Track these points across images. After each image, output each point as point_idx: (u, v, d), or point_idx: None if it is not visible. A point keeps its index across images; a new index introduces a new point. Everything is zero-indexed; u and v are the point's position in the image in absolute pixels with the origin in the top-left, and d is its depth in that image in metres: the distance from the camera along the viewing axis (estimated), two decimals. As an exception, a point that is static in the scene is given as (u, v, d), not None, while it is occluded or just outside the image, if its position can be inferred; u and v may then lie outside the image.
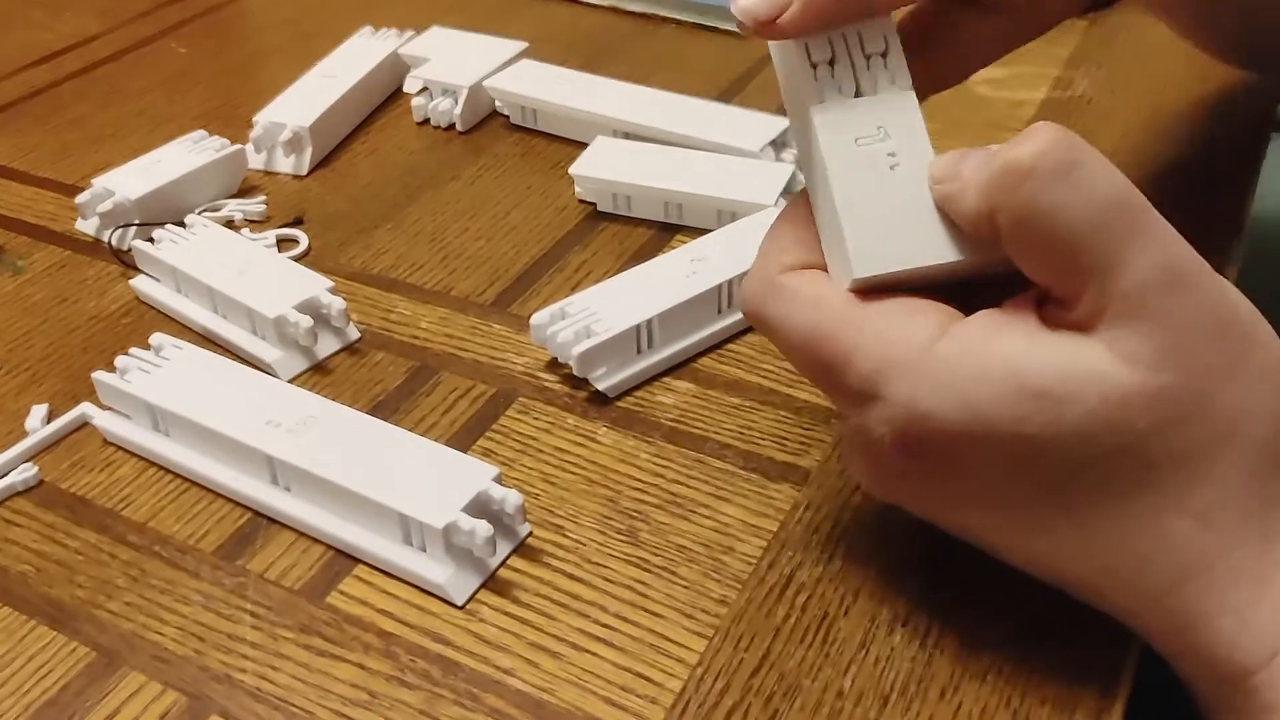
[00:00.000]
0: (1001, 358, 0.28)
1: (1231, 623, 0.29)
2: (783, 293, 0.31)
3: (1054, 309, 0.28)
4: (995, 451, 0.28)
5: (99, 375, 0.41)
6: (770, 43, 0.32)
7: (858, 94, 0.31)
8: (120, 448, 0.41)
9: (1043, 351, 0.28)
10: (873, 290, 0.30)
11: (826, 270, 0.31)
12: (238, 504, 0.39)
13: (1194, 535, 0.29)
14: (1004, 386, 0.28)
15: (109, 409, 0.42)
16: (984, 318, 0.29)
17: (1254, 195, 0.53)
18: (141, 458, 0.41)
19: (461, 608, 0.35)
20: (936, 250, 0.30)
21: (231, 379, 0.41)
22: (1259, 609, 0.29)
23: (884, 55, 0.31)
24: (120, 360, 0.42)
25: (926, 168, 0.30)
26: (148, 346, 0.43)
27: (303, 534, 0.38)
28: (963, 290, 0.31)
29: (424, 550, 0.36)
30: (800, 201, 0.32)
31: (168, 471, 0.40)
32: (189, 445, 0.40)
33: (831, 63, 0.31)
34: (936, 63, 0.35)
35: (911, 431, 0.29)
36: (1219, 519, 0.28)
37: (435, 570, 0.35)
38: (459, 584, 0.35)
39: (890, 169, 0.30)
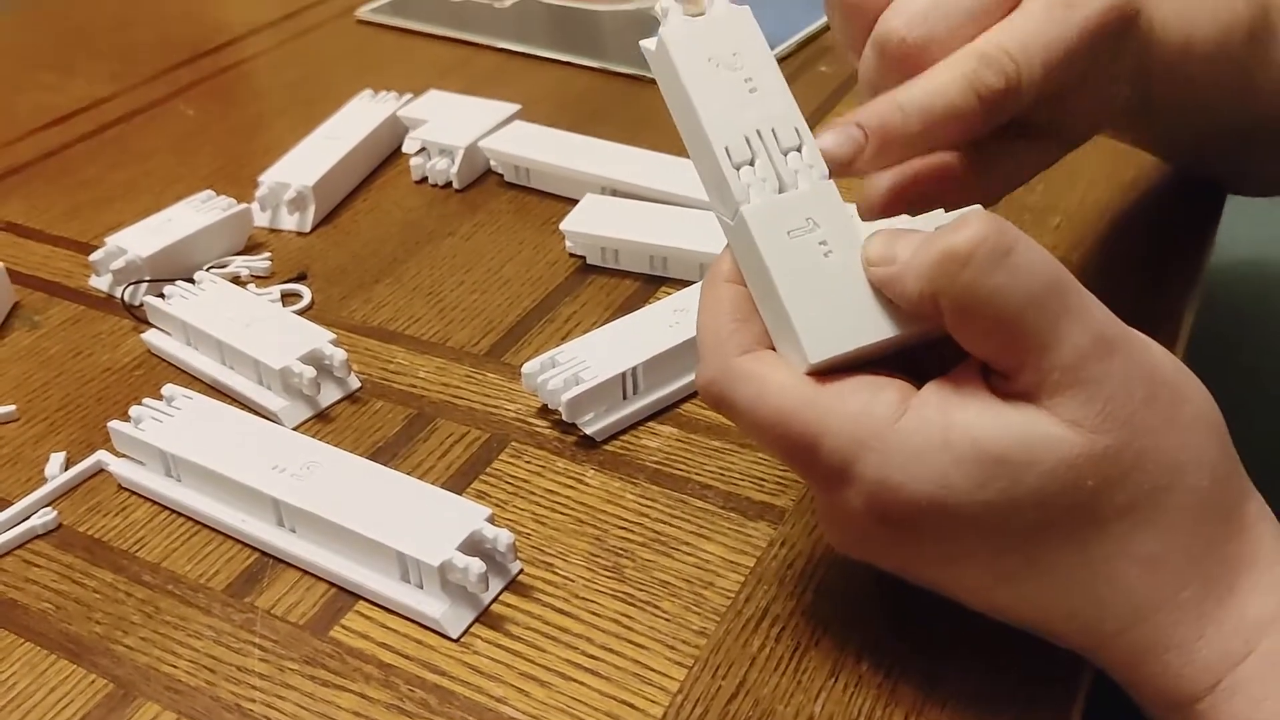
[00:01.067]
0: (961, 428, 0.30)
1: (1177, 657, 0.31)
2: (744, 379, 0.32)
3: (998, 379, 0.31)
4: (961, 515, 0.30)
5: (114, 424, 0.44)
6: (689, 146, 0.34)
7: (781, 189, 0.33)
8: (134, 493, 0.43)
9: (997, 421, 0.30)
10: (827, 370, 0.32)
11: (774, 349, 0.33)
12: (246, 544, 0.41)
13: (1143, 579, 0.31)
14: (967, 456, 0.30)
15: (124, 456, 0.44)
16: (937, 391, 0.31)
17: (1213, 245, 0.56)
18: (155, 502, 0.43)
19: (456, 640, 0.37)
20: (880, 328, 0.32)
21: (239, 427, 0.44)
22: (1202, 643, 0.31)
23: (799, 149, 0.33)
24: (134, 410, 0.44)
25: (858, 251, 0.32)
26: (160, 397, 0.45)
27: (307, 572, 0.40)
28: (905, 356, 0.33)
29: (421, 587, 0.38)
30: (728, 281, 0.34)
31: (179, 514, 0.42)
32: (200, 490, 0.42)
33: (751, 162, 0.33)
34: (986, 187, 0.38)
35: (882, 502, 0.31)
36: (1165, 563, 0.31)
37: (431, 605, 0.37)
38: (454, 618, 0.37)
39: (824, 256, 0.32)
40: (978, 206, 0.31)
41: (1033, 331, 0.29)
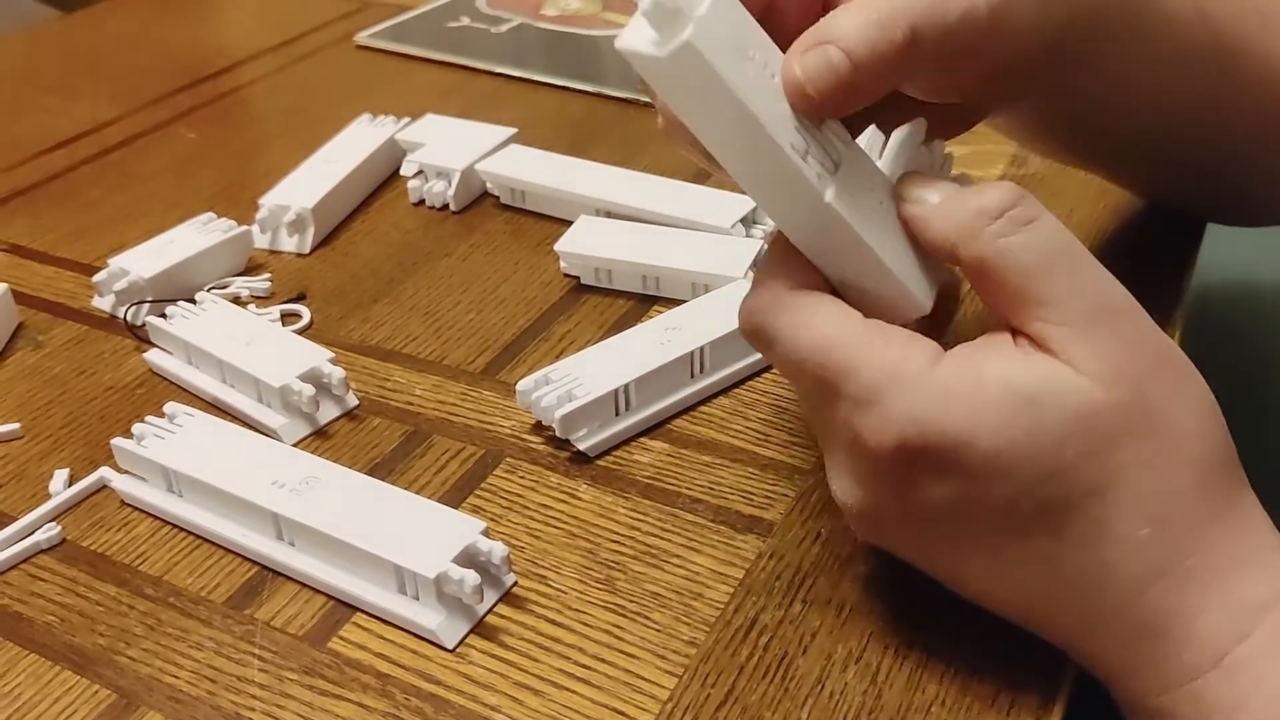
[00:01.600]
0: (994, 372, 0.32)
1: (1180, 627, 0.32)
2: (795, 306, 0.34)
3: (1023, 340, 0.33)
4: (985, 457, 0.31)
5: (117, 441, 0.45)
6: (726, 152, 0.32)
7: (836, 168, 0.33)
8: (137, 508, 0.44)
9: (1026, 366, 0.32)
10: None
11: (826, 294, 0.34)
12: (246, 558, 0.42)
13: (1153, 540, 0.32)
14: (998, 396, 0.31)
15: (126, 472, 0.45)
16: (969, 346, 0.33)
17: (1194, 268, 0.57)
18: (157, 517, 0.44)
19: (452, 651, 0.38)
20: None
21: (239, 444, 0.45)
22: (1205, 616, 0.32)
23: (822, 124, 0.33)
24: (136, 427, 0.45)
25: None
26: (162, 414, 0.46)
27: (306, 585, 0.41)
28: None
29: (417, 598, 0.39)
30: (786, 252, 0.35)
31: (181, 529, 0.43)
32: (201, 505, 0.43)
33: (807, 152, 0.32)
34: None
35: (910, 438, 0.32)
36: (1174, 524, 0.32)
37: (428, 616, 0.38)
38: (449, 629, 0.38)
39: (887, 214, 0.34)
40: (1012, 182, 0.33)
41: (1042, 289, 0.32)
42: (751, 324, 0.35)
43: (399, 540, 0.39)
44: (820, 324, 0.33)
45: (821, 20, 0.33)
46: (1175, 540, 0.32)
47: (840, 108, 0.32)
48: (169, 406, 0.46)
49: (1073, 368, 0.31)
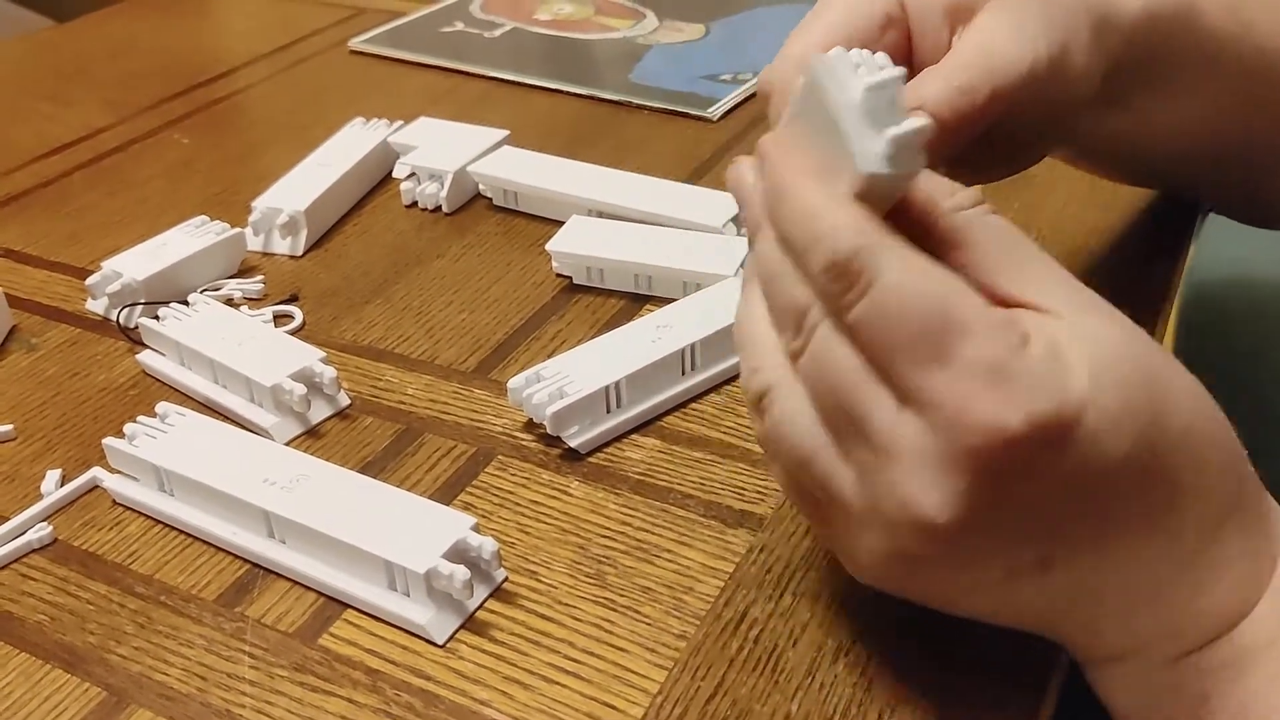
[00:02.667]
0: (1094, 332, 0.30)
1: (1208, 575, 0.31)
2: (895, 240, 0.29)
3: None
4: (1097, 420, 0.28)
5: (109, 441, 0.45)
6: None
7: None
8: (128, 508, 0.44)
9: (1114, 325, 0.31)
10: None
11: None
12: (237, 556, 0.42)
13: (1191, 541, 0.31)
14: (1116, 352, 0.30)
15: (118, 472, 0.45)
16: (1051, 317, 0.30)
17: (1185, 263, 0.57)
18: (148, 516, 0.44)
19: (442, 646, 0.38)
20: None
21: (231, 443, 0.45)
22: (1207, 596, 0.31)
23: None
24: (128, 427, 0.45)
25: None
26: (154, 415, 0.46)
27: (296, 582, 0.41)
28: None
29: (407, 594, 0.39)
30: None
31: (172, 528, 0.43)
32: (192, 503, 0.43)
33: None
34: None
35: (1038, 416, 0.27)
36: (1204, 520, 0.31)
37: (418, 612, 0.38)
38: (439, 624, 0.38)
39: None
40: None
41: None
42: (853, 245, 0.29)
43: (389, 536, 0.39)
44: (935, 274, 0.28)
45: (911, 85, 0.36)
46: (1203, 538, 0.31)
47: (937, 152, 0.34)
48: (160, 406, 0.46)
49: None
